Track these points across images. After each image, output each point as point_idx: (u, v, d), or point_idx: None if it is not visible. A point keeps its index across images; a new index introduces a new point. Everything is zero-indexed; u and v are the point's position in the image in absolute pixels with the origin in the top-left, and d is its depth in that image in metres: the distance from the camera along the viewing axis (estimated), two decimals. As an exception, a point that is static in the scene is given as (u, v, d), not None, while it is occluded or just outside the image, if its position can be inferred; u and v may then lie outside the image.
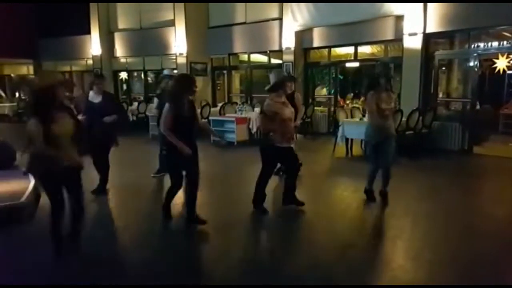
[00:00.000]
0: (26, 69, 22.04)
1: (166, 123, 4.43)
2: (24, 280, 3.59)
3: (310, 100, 13.34)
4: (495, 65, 11.06)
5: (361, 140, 9.34)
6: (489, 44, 10.12)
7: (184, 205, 4.98)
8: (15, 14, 18.20)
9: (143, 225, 4.94)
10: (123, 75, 18.07)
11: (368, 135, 5.55)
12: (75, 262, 3.87)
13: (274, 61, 14.07)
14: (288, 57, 12.95)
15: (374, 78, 5.54)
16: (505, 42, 9.91)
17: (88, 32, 17.41)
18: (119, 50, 17.39)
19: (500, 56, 10.72)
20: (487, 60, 11.17)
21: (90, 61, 18.11)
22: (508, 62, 10.78)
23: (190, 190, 4.69)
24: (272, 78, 5.06)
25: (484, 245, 4.26)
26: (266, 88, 5.13)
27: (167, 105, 4.50)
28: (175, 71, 7.45)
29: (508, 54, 10.54)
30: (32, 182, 5.82)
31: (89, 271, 3.70)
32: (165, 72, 7.12)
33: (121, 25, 17.18)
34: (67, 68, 20.27)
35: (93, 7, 17.07)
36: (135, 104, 15.19)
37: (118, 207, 5.86)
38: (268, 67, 14.40)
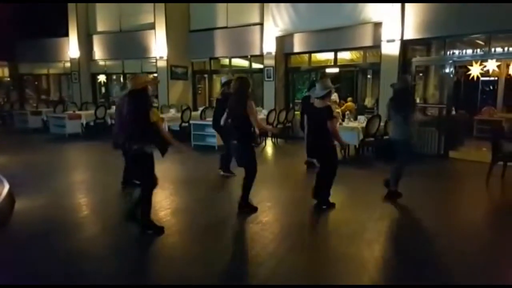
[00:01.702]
0: (1, 72, 21.49)
1: (258, 119, 5.14)
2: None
3: (291, 105, 13.45)
4: (469, 72, 11.40)
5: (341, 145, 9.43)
6: (464, 51, 10.41)
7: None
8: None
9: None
10: (102, 78, 17.82)
11: (409, 135, 5.78)
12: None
13: (255, 65, 14.14)
14: (269, 62, 13.04)
15: (405, 88, 5.92)
16: (478, 50, 10.21)
17: (66, 35, 17.12)
18: (98, 53, 17.16)
19: (474, 63, 11.06)
20: (462, 67, 11.51)
21: (68, 64, 17.79)
22: (482, 69, 11.12)
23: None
24: (320, 86, 5.29)
25: (461, 245, 4.36)
26: (320, 95, 5.30)
27: (249, 103, 5.02)
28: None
29: (482, 61, 10.87)
30: (6, 187, 5.67)
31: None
32: (224, 79, 7.64)
33: (100, 27, 16.96)
34: (44, 71, 19.89)
35: (71, 9, 16.80)
36: (114, 107, 14.98)
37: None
38: (249, 71, 14.46)
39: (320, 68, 13.25)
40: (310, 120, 5.60)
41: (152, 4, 14.69)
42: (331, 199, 5.56)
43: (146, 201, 4.54)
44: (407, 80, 5.97)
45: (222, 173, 7.42)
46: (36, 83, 20.97)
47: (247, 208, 5.31)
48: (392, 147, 5.95)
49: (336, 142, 5.48)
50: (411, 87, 6.16)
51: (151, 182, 4.53)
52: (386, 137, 8.64)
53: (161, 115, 12.11)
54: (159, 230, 4.59)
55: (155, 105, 15.28)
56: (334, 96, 13.03)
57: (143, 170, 4.52)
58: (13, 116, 15.67)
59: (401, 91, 5.84)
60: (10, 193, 5.51)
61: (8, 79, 21.11)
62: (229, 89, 7.43)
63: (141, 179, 4.67)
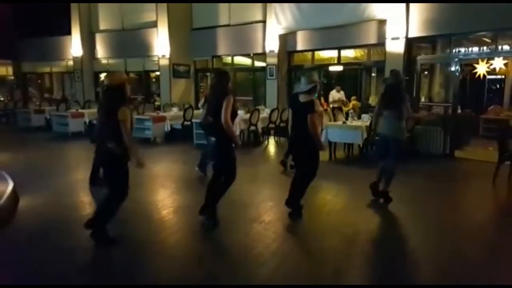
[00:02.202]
0: (5, 70, 21.52)
1: (229, 115, 4.58)
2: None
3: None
4: (475, 70, 11.28)
5: (344, 144, 9.35)
6: (470, 49, 10.30)
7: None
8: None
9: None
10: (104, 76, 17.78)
11: (402, 134, 5.64)
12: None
13: (258, 64, 14.06)
14: (272, 60, 12.95)
15: (397, 83, 5.68)
16: (485, 48, 10.10)
17: (69, 33, 17.11)
18: (100, 51, 17.14)
19: (480, 61, 10.94)
20: (468, 65, 11.38)
21: (71, 62, 17.80)
22: (488, 67, 11.00)
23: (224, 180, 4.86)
24: (304, 80, 5.03)
25: (464, 246, 4.32)
26: (305, 89, 4.95)
27: (227, 97, 4.59)
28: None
29: (488, 59, 10.75)
30: (11, 185, 5.65)
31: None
32: None
33: (102, 25, 16.93)
34: (47, 69, 19.92)
35: (74, 7, 16.80)
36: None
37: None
38: (251, 70, 14.39)
39: (323, 66, 13.17)
40: (294, 115, 5.21)
41: (154, 2, 14.64)
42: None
43: (107, 213, 4.24)
44: (399, 75, 5.77)
45: (196, 168, 7.39)
46: (39, 81, 21.01)
47: (212, 213, 4.87)
48: (383, 144, 5.78)
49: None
50: (403, 82, 5.93)
51: (121, 193, 4.18)
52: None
53: (163, 114, 12.11)
54: (110, 242, 4.27)
55: (157, 103, 15.29)
56: (341, 95, 12.95)
57: (114, 175, 4.18)
58: (16, 114, 15.66)
59: (393, 87, 5.68)
60: (14, 191, 5.53)
61: (12, 77, 21.14)
62: None
63: (110, 186, 4.22)
